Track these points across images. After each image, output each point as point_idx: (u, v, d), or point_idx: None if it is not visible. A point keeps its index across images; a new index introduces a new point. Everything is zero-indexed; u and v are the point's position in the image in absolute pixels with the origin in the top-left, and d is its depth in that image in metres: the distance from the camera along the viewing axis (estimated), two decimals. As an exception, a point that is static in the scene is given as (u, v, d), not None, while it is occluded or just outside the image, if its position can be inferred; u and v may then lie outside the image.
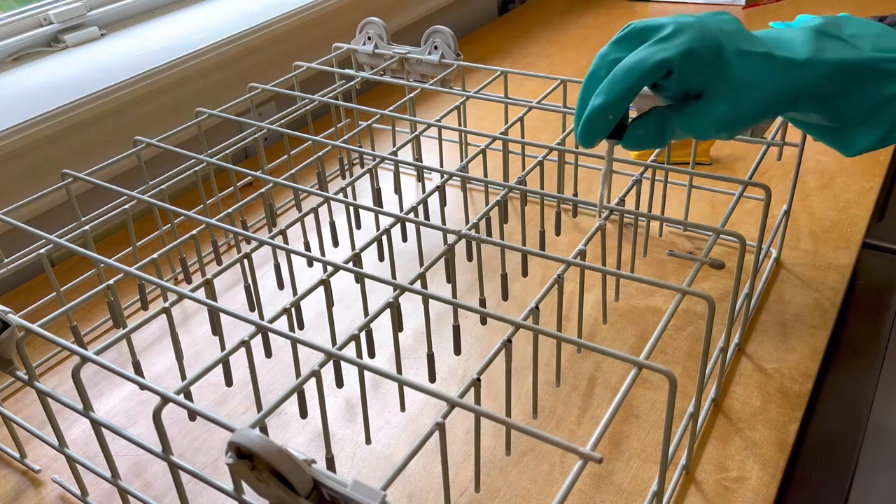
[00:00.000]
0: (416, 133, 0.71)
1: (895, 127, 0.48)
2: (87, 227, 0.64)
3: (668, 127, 0.49)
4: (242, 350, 0.46)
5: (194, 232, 0.60)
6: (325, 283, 0.51)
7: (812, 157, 0.86)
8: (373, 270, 0.52)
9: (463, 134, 0.84)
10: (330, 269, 0.52)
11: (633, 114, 0.73)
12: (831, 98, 0.47)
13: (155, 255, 0.59)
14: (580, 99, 0.49)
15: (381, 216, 0.75)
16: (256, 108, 0.83)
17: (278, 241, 0.55)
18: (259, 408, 0.49)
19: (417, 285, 0.49)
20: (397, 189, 0.74)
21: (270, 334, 0.55)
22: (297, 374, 0.52)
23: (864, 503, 0.52)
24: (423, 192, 0.85)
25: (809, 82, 0.46)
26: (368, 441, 0.54)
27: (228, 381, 0.54)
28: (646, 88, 0.48)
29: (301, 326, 0.57)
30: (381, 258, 0.67)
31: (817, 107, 0.48)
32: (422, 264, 0.57)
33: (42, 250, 0.62)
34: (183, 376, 0.53)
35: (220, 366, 0.51)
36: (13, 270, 0.63)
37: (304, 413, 0.49)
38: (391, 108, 0.75)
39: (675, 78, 0.46)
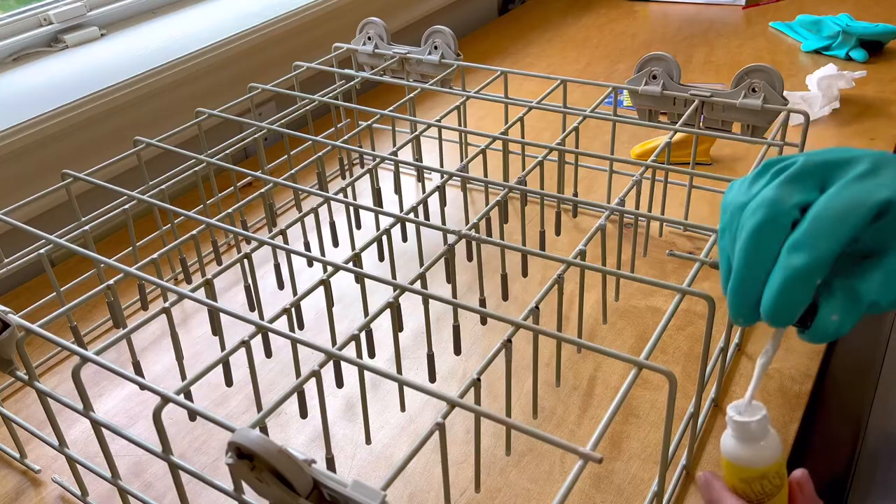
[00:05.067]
0: (416, 133, 0.71)
1: None
2: (87, 227, 0.64)
3: (863, 302, 0.37)
4: (242, 350, 0.46)
5: (194, 232, 0.60)
6: (325, 283, 0.51)
7: (812, 157, 0.86)
8: (373, 270, 0.52)
9: (463, 134, 0.84)
10: (330, 269, 0.52)
11: (633, 113, 0.73)
12: None
13: (155, 255, 0.59)
14: (742, 264, 0.37)
15: (381, 216, 0.75)
16: (256, 108, 0.83)
17: (278, 241, 0.55)
18: (259, 408, 0.49)
19: (417, 285, 0.49)
20: (397, 189, 0.73)
21: (270, 334, 0.55)
22: (297, 374, 0.52)
23: (864, 503, 0.52)
24: (423, 192, 0.85)
25: None
26: (368, 441, 0.54)
27: (228, 381, 0.54)
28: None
29: (301, 326, 0.57)
30: (381, 258, 0.67)
31: None
32: (422, 264, 0.57)
33: (42, 250, 0.62)
34: (183, 376, 0.53)
35: (220, 366, 0.51)
36: (13, 270, 0.63)
37: (304, 413, 0.49)
38: (391, 108, 0.75)
39: (885, 224, 0.35)
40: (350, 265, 0.51)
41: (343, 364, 0.54)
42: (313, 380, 0.43)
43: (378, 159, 0.68)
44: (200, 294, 0.50)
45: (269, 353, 0.56)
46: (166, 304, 0.49)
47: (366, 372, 0.49)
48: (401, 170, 0.88)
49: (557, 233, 0.72)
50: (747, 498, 0.42)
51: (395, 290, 0.48)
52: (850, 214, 0.35)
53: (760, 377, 0.41)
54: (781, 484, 0.42)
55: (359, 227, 0.72)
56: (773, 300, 0.36)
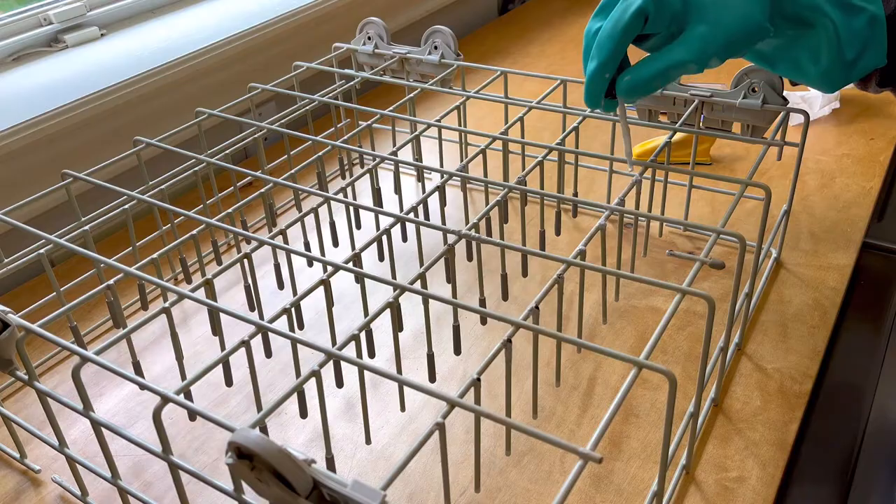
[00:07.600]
0: (416, 133, 0.71)
1: (862, 59, 0.50)
2: (87, 227, 0.64)
3: (656, 63, 0.51)
4: (242, 350, 0.46)
5: (194, 232, 0.60)
6: (325, 283, 0.51)
7: (812, 157, 0.86)
8: (373, 270, 0.52)
9: (463, 134, 0.84)
10: (330, 269, 0.52)
11: (633, 113, 0.73)
12: (801, 15, 0.49)
13: (155, 255, 0.59)
14: (584, 73, 0.54)
15: (381, 216, 0.75)
16: (256, 108, 0.83)
17: (278, 241, 0.55)
18: (259, 408, 0.49)
19: (417, 285, 0.49)
20: (397, 189, 0.73)
21: (270, 334, 0.55)
22: (297, 374, 0.52)
23: (864, 503, 0.52)
24: (423, 192, 0.85)
25: None
26: (368, 441, 0.54)
27: (228, 381, 0.54)
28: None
29: (301, 326, 0.57)
30: (381, 258, 0.67)
31: (791, 25, 0.50)
32: (422, 264, 0.57)
33: (42, 250, 0.62)
34: (183, 376, 0.53)
35: (220, 366, 0.51)
36: (13, 270, 0.63)
37: (304, 413, 0.49)
38: (391, 108, 0.75)
39: (653, 20, 0.49)
40: (350, 265, 0.51)
41: (343, 364, 0.54)
42: (313, 380, 0.43)
43: (378, 159, 0.68)
44: (200, 294, 0.50)
45: (269, 353, 0.56)
46: (166, 304, 0.49)
47: (366, 372, 0.49)
48: (401, 170, 0.88)
49: (557, 233, 0.72)
50: None
51: (395, 290, 0.48)
52: (616, 27, 0.50)
53: (627, 138, 0.58)
54: None
55: (359, 227, 0.72)
56: (584, 91, 0.53)
